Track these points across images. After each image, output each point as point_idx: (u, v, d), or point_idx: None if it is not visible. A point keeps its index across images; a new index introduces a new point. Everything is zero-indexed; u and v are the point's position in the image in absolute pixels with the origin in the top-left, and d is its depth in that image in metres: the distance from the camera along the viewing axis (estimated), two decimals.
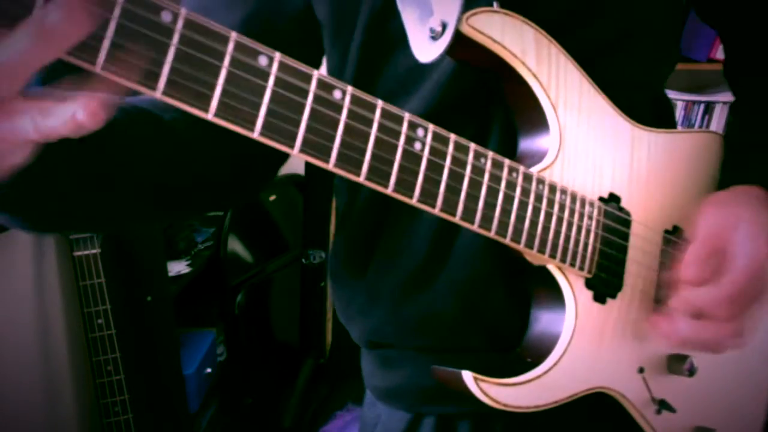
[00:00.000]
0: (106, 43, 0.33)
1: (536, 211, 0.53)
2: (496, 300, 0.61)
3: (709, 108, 2.14)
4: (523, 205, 0.52)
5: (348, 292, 0.69)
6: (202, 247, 1.85)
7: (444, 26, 0.50)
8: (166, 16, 0.35)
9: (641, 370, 0.61)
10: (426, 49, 0.51)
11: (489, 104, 0.59)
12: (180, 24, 0.35)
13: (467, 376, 0.51)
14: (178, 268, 1.71)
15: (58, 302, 1.43)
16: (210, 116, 0.38)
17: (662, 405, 0.61)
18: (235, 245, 1.95)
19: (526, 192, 0.52)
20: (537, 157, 0.56)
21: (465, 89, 0.58)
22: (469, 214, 0.49)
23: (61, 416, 1.44)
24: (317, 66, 0.65)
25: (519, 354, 0.58)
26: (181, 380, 1.62)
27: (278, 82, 0.40)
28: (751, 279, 0.54)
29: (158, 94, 0.36)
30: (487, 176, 0.50)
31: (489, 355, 0.61)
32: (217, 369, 1.89)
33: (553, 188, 0.54)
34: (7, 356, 1.25)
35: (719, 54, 2.05)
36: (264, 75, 0.39)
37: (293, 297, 2.19)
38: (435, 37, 0.50)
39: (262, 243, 2.11)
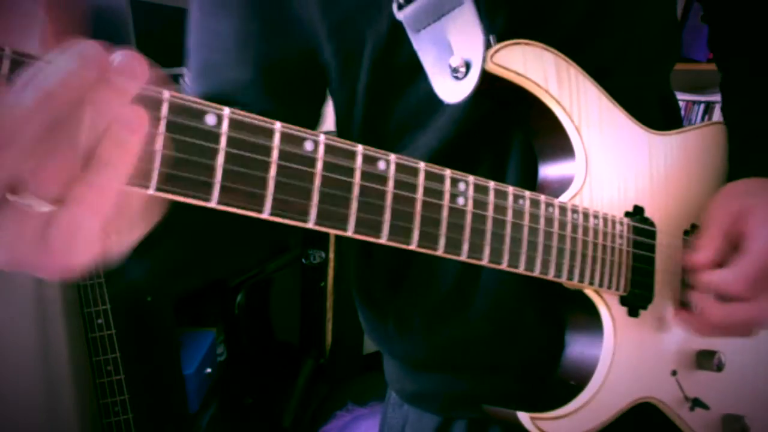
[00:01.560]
0: (156, 163, 0.32)
1: (573, 242, 0.53)
2: (528, 321, 0.61)
3: (709, 108, 2.15)
4: (561, 239, 0.52)
5: (376, 317, 0.69)
6: None
7: (468, 66, 0.49)
8: (210, 120, 0.34)
9: (674, 373, 0.62)
10: (451, 90, 0.50)
11: (506, 130, 0.58)
12: (225, 126, 0.34)
13: (524, 418, 0.52)
14: None
15: (58, 302, 1.43)
16: (265, 215, 0.37)
17: (696, 403, 0.62)
18: None
19: (563, 225, 0.52)
20: (563, 181, 0.56)
21: (481, 117, 0.57)
22: (514, 260, 0.49)
23: (61, 416, 1.44)
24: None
25: (561, 378, 0.59)
26: (181, 380, 1.62)
27: (326, 165, 0.38)
28: (765, 258, 0.54)
29: (213, 203, 0.34)
30: (527, 217, 0.50)
31: (530, 380, 0.61)
32: (217, 369, 1.89)
33: (586, 215, 0.54)
34: (7, 356, 1.25)
35: None
36: (311, 161, 0.38)
37: (293, 297, 2.19)
38: (459, 77, 0.49)
39: None
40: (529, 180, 0.58)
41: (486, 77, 0.50)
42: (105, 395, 1.37)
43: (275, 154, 0.36)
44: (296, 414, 2.03)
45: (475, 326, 0.61)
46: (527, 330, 0.61)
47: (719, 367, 0.63)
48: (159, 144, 0.32)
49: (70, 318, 1.45)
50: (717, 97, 2.13)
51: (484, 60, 0.49)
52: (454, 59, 0.49)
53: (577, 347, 0.59)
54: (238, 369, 2.00)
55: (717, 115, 2.15)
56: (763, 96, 0.67)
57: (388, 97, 0.59)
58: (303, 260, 2.09)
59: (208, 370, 1.80)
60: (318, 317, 2.13)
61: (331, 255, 2.09)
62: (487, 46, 0.49)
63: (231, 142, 0.35)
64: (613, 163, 0.58)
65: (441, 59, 0.51)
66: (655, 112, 0.63)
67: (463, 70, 0.49)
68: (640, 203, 0.60)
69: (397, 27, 0.53)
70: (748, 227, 0.56)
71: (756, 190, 0.60)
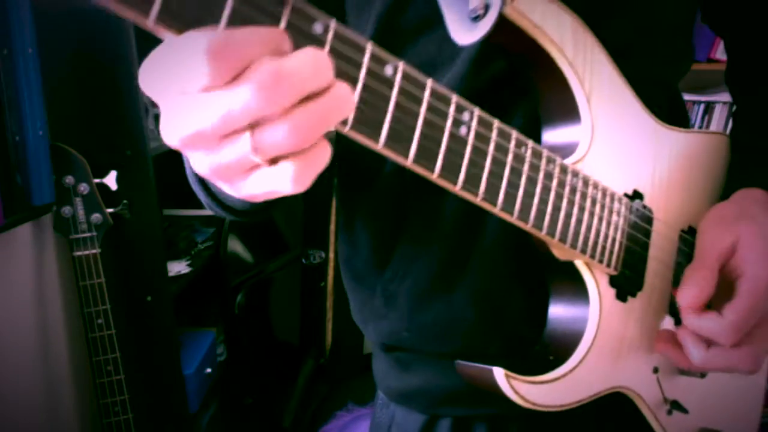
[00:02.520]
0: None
1: (570, 203, 0.52)
2: (515, 306, 0.60)
3: (709, 108, 2.14)
4: (558, 197, 0.51)
5: (363, 294, 0.69)
6: (202, 247, 1.85)
7: (487, 7, 0.48)
8: None
9: (656, 371, 0.62)
10: (465, 30, 0.49)
11: (510, 95, 0.58)
12: None
13: (499, 373, 0.51)
14: (178, 268, 1.71)
15: (58, 302, 1.43)
16: None
17: (674, 406, 0.62)
18: (235, 245, 1.95)
19: (561, 184, 0.51)
20: (566, 148, 0.55)
21: (479, 89, 0.57)
22: (509, 204, 0.48)
23: (61, 416, 1.44)
24: None
25: (540, 352, 0.58)
26: (181, 380, 1.62)
27: (333, 51, 0.36)
28: (755, 304, 0.53)
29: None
30: (527, 165, 0.49)
31: (509, 354, 0.61)
32: (217, 369, 1.89)
33: (586, 182, 0.53)
34: (7, 356, 1.25)
35: (719, 54, 2.05)
36: (320, 43, 0.36)
37: (293, 297, 2.19)
38: (477, 18, 0.48)
39: (262, 243, 2.11)
40: None
41: (502, 24, 0.49)
42: (105, 395, 1.37)
43: (283, 24, 0.34)
44: (296, 414, 2.03)
45: (460, 308, 0.61)
46: (514, 316, 0.61)
47: (703, 374, 0.62)
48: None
49: (70, 318, 1.45)
50: (717, 97, 2.13)
51: (503, 2, 0.48)
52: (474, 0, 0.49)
53: (560, 322, 0.58)
54: (238, 369, 2.00)
55: (717, 115, 2.14)
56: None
57: (394, 50, 0.58)
58: (303, 260, 2.09)
59: (208, 370, 1.80)
60: (318, 317, 2.13)
61: (331, 255, 2.09)
62: None
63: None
64: (618, 141, 0.57)
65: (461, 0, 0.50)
66: (663, 110, 0.63)
67: (481, 11, 0.48)
68: (640, 189, 0.59)
69: None
70: (741, 265, 0.55)
71: (748, 211, 0.58)
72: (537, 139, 0.57)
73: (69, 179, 1.32)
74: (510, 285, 0.60)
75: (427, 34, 0.54)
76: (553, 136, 0.57)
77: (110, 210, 1.37)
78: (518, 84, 0.57)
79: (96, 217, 1.34)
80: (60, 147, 1.31)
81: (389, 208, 0.62)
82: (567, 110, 0.55)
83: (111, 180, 1.40)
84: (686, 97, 2.14)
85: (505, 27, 0.50)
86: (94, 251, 1.34)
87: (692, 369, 0.58)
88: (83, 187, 1.33)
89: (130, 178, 1.44)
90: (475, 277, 0.60)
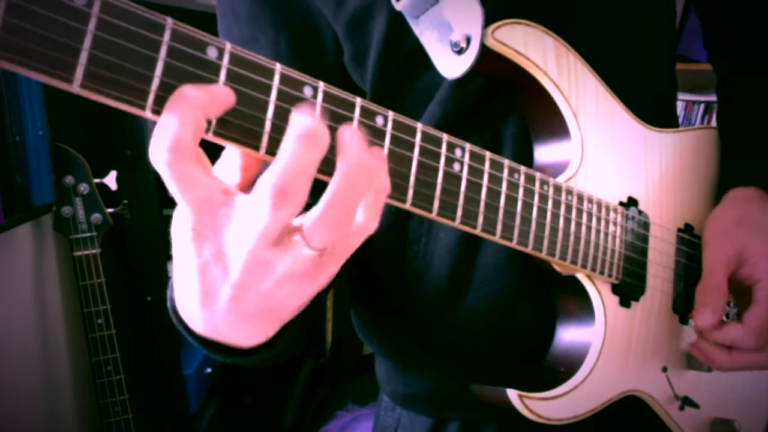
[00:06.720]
0: (154, 85, 0.32)
1: (567, 222, 0.53)
2: (523, 314, 0.61)
3: (709, 108, 2.14)
4: (555, 217, 0.52)
5: (368, 313, 0.68)
6: None
7: (468, 40, 0.50)
8: (211, 52, 0.34)
9: (665, 369, 0.63)
10: (452, 64, 0.51)
11: (498, 114, 0.58)
12: (226, 59, 0.34)
13: (513, 395, 0.52)
14: None
15: (58, 302, 1.43)
16: (262, 153, 0.36)
17: (686, 401, 0.63)
18: None
19: (557, 204, 0.52)
20: (558, 166, 0.56)
21: (472, 100, 0.57)
22: (507, 231, 0.49)
23: (61, 416, 1.44)
24: None
25: (550, 364, 0.58)
26: (181, 380, 1.62)
27: (324, 112, 0.38)
28: None
29: (210, 135, 0.34)
30: (521, 191, 0.50)
31: (519, 368, 0.61)
32: (217, 369, 1.89)
33: (581, 198, 0.54)
34: (7, 356, 1.25)
35: None
36: (310, 105, 0.37)
37: None
38: (460, 51, 0.50)
39: None
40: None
41: (486, 54, 0.50)
42: (105, 395, 1.37)
43: (274, 93, 0.36)
44: (296, 414, 2.03)
45: (468, 322, 0.61)
46: (520, 328, 0.61)
47: (709, 368, 0.63)
48: (158, 70, 0.32)
49: (70, 318, 1.45)
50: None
51: (484, 34, 0.49)
52: (455, 34, 0.50)
53: (567, 334, 0.59)
54: (238, 369, 2.00)
55: None
56: (753, 101, 0.67)
57: (394, 94, 0.59)
58: None
59: (208, 370, 1.80)
60: (318, 317, 2.12)
61: None
62: (487, 20, 0.50)
63: (230, 75, 0.35)
64: (608, 153, 0.58)
65: (442, 38, 0.51)
66: (649, 111, 0.63)
67: (463, 44, 0.50)
68: (634, 195, 0.60)
69: (397, 20, 0.53)
70: (755, 272, 0.57)
71: (747, 214, 0.60)
72: (527, 153, 0.58)
73: (69, 179, 1.32)
74: (515, 294, 0.60)
75: (426, 65, 0.54)
76: (545, 153, 0.58)
77: (110, 210, 1.37)
78: (511, 98, 0.58)
79: (96, 217, 1.34)
80: (60, 147, 1.31)
81: (389, 229, 0.62)
82: (556, 129, 0.56)
83: (111, 180, 1.40)
84: (686, 97, 2.14)
85: (489, 57, 0.51)
86: (94, 251, 1.34)
87: (720, 370, 0.60)
88: (83, 187, 1.33)
89: (130, 178, 1.44)
90: (481, 290, 0.60)
